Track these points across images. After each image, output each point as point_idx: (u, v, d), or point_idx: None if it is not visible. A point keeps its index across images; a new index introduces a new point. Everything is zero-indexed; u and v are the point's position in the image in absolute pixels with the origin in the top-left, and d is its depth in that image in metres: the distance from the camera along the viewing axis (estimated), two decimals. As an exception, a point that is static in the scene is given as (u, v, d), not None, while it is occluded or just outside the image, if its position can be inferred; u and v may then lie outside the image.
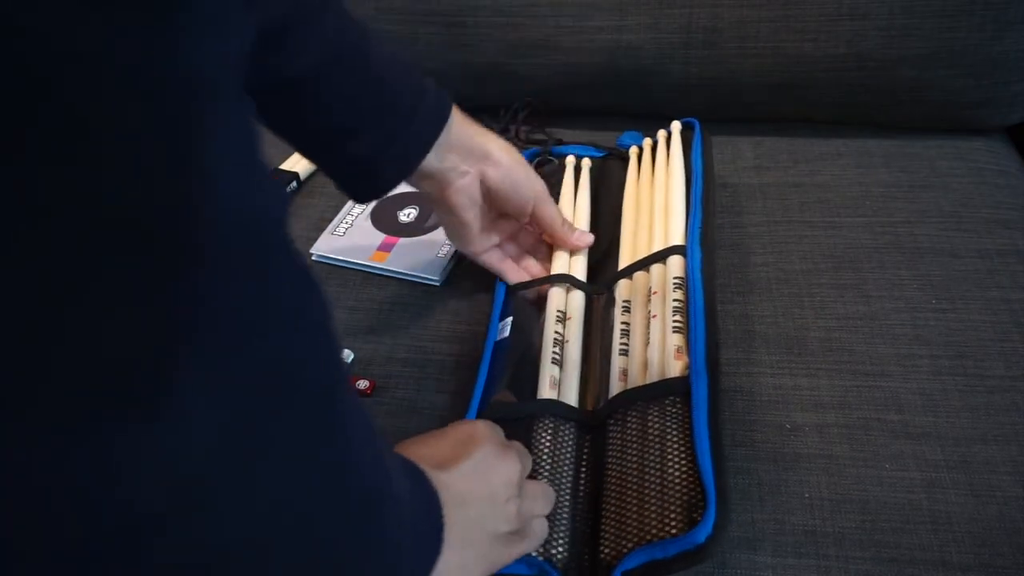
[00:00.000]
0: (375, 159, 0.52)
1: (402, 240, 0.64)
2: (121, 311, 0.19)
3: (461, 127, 0.54)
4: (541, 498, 0.44)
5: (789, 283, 0.59)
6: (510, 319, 0.56)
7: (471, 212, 0.57)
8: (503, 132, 0.73)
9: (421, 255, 0.63)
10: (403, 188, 0.70)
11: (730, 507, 0.43)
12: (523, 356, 0.54)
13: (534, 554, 0.43)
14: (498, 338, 0.56)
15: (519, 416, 0.49)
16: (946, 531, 0.44)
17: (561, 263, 0.60)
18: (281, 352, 0.24)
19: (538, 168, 0.66)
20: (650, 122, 0.71)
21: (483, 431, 0.42)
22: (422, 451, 0.39)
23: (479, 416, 0.51)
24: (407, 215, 0.67)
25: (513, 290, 0.59)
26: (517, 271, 0.60)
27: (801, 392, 0.52)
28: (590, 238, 0.62)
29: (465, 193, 0.56)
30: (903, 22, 0.67)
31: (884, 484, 0.47)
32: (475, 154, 0.55)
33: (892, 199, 0.65)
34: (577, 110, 0.69)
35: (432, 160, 0.53)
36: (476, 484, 0.39)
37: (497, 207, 0.58)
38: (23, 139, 0.17)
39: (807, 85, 0.72)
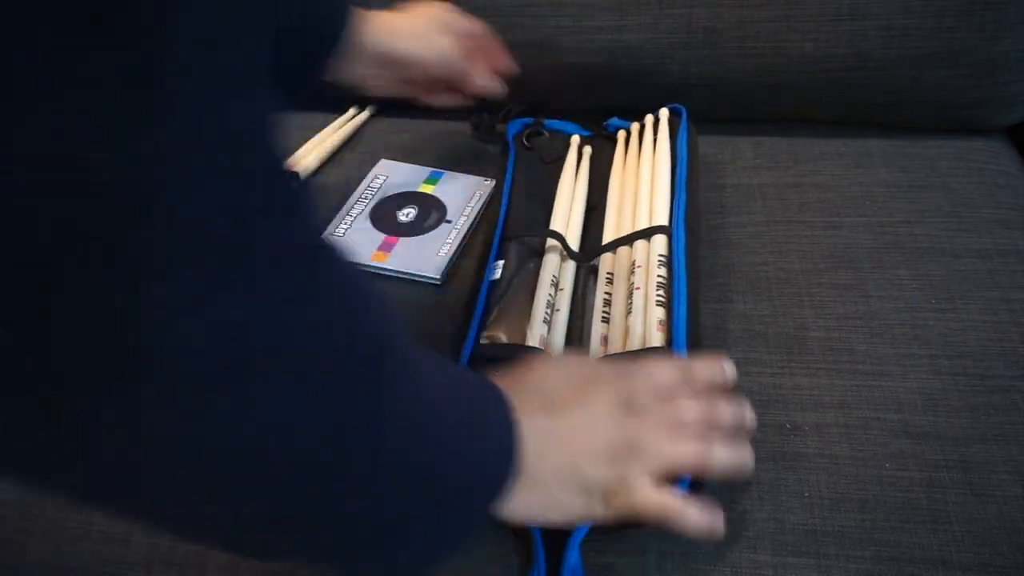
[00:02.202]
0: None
1: (402, 240, 0.64)
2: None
3: (373, 34, 0.58)
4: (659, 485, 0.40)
5: (789, 283, 0.59)
6: (502, 261, 0.59)
7: (393, 90, 0.64)
8: (501, 135, 0.73)
9: (421, 254, 0.63)
10: (403, 188, 0.70)
11: None
12: (514, 299, 0.56)
13: None
14: (493, 278, 0.58)
15: (509, 358, 0.48)
16: (946, 530, 0.44)
17: (560, 221, 0.62)
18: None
19: (528, 140, 0.71)
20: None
21: (609, 376, 0.39)
22: (532, 382, 0.36)
23: (472, 353, 0.52)
24: (407, 215, 0.67)
25: (509, 235, 0.61)
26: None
27: (801, 392, 0.52)
28: (496, 88, 0.66)
29: (382, 89, 0.63)
30: (903, 22, 0.67)
31: (884, 483, 0.47)
32: (389, 63, 0.60)
33: (892, 199, 0.65)
34: (577, 110, 0.69)
35: (343, 71, 0.58)
36: (574, 440, 0.36)
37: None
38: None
39: (807, 85, 0.72)
